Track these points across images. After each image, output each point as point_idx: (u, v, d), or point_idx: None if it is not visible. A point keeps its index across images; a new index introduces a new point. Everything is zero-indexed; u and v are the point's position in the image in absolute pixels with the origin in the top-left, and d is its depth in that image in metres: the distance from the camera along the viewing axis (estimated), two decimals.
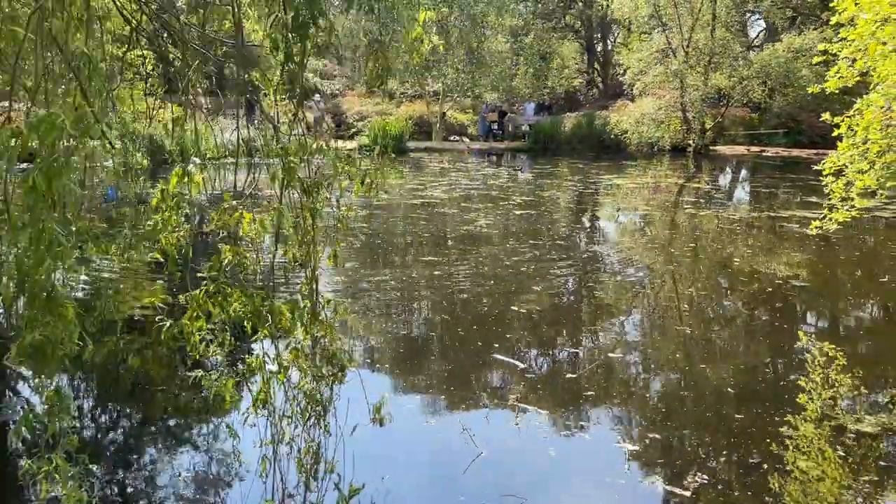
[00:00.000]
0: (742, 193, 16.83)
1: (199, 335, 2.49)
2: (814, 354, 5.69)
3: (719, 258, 9.29)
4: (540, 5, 31.67)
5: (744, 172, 21.88)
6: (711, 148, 25.45)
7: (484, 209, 12.79)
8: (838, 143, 7.25)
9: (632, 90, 25.16)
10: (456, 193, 14.84)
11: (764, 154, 24.34)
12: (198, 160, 2.56)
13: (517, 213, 12.46)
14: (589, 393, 4.98)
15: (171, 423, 4.46)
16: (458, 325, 6.46)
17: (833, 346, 5.85)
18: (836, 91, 7.26)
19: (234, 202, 2.72)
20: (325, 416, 2.85)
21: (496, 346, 5.82)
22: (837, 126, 7.02)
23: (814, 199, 12.63)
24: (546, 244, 9.83)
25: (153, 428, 4.34)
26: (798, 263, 8.83)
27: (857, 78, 6.41)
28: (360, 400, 3.61)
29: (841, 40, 6.88)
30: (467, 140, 30.06)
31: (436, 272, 8.24)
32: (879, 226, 11.44)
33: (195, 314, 2.48)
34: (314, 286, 2.76)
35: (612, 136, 24.67)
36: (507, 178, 18.29)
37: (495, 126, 31.03)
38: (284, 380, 2.75)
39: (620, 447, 4.19)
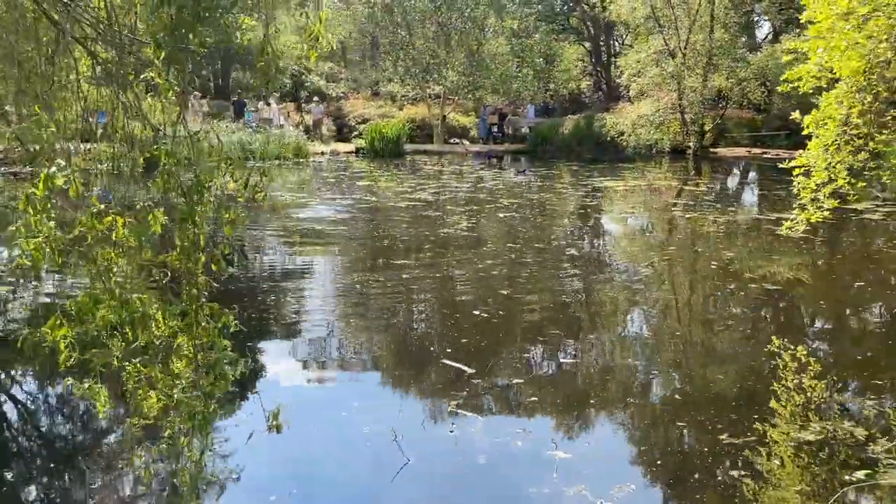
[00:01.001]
0: (734, 196, 16.64)
1: (64, 343, 2.43)
2: (772, 361, 5.56)
3: (695, 262, 9.16)
4: (540, 7, 31.49)
5: (741, 175, 21.68)
6: (711, 150, 25.23)
7: (468, 212, 12.71)
8: (807, 142, 7.13)
9: (628, 92, 25.01)
10: (444, 196, 14.77)
11: (764, 156, 24.10)
12: (62, 162, 2.49)
13: (500, 216, 12.37)
14: (532, 399, 4.89)
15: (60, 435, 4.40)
16: (414, 330, 6.39)
17: (797, 351, 5.72)
18: (810, 91, 7.13)
19: (104, 205, 2.66)
20: (208, 426, 2.76)
21: (449, 351, 5.74)
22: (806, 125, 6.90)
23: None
24: (523, 248, 9.73)
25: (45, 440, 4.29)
26: (774, 267, 8.68)
27: (815, 75, 6.26)
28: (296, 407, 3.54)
29: (808, 39, 6.76)
30: (467, 143, 30.00)
31: (404, 276, 8.16)
32: (867, 227, 11.23)
33: (58, 322, 2.42)
34: (195, 291, 2.68)
35: (609, 139, 24.51)
36: (499, 181, 18.19)
37: (495, 128, 30.95)
38: (165, 388, 2.67)
39: (552, 455, 4.09)
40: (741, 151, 25.49)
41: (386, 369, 5.50)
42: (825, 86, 6.83)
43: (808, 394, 4.90)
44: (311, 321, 6.54)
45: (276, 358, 5.65)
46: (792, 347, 5.78)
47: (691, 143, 24.11)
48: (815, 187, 7.06)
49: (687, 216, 12.60)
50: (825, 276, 8.57)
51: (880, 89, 5.70)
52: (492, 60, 30.07)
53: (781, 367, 5.39)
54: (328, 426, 4.47)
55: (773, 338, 6.00)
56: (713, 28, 22.43)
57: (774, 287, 7.70)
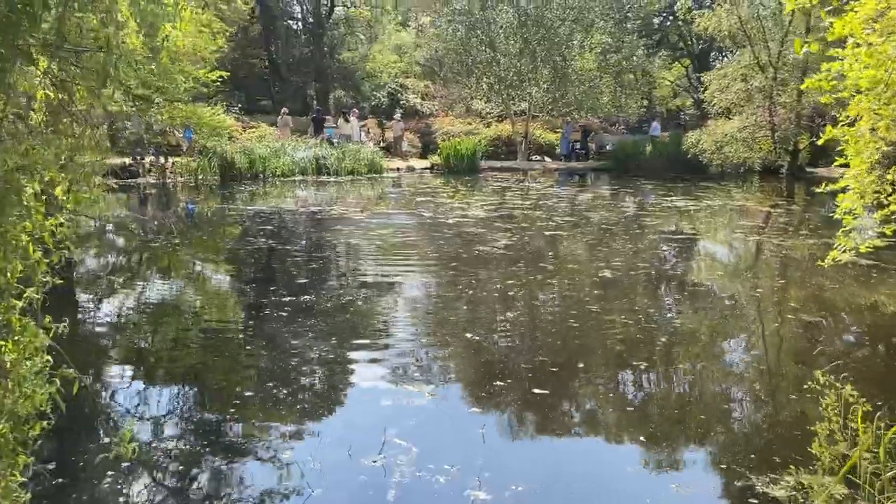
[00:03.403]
0: (819, 220, 15.31)
1: None
2: (792, 405, 4.93)
3: (724, 290, 8.40)
4: (629, 24, 30.58)
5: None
6: (809, 169, 23.58)
7: (515, 230, 12.31)
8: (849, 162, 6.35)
9: (712, 108, 23.76)
10: (497, 213, 14.42)
11: None
12: None
13: (547, 234, 11.90)
14: (480, 431, 4.51)
15: None
16: (390, 351, 6.07)
17: (839, 389, 5.05)
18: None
19: None
20: (18, 452, 2.61)
21: (417, 375, 5.45)
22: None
23: None
24: (554, 269, 9.28)
25: None
26: (815, 297, 7.83)
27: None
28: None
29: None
30: (548, 160, 29.51)
31: (415, 294, 7.93)
32: None
33: None
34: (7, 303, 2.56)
35: (689, 156, 23.37)
36: (562, 199, 17.63)
37: (578, 145, 30.27)
38: None
39: (470, 494, 3.73)
40: (844, 171, 23.65)
41: (332, 391, 5.25)
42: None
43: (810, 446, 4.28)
44: (270, 334, 6.38)
45: (223, 375, 5.51)
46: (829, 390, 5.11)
47: (784, 163, 22.60)
48: (860, 212, 6.29)
49: (750, 239, 11.70)
50: (871, 310, 7.64)
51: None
52: (577, 77, 29.44)
53: (796, 414, 4.76)
54: (242, 451, 4.27)
55: (819, 375, 5.33)
56: (808, 39, 20.92)
57: (813, 319, 6.91)
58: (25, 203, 2.64)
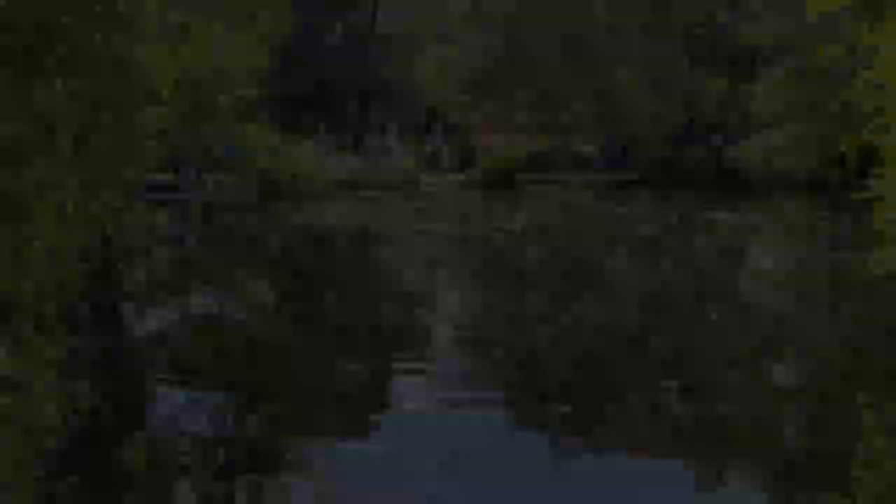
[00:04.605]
0: (864, 231, 14.78)
1: None
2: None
3: (765, 306, 8.14)
4: (671, 36, 30.20)
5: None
6: (858, 180, 22.82)
7: (549, 243, 12.19)
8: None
9: (757, 119, 23.19)
10: (532, 226, 14.30)
11: None
12: None
13: (582, 247, 11.76)
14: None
15: None
16: (413, 366, 5.98)
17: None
18: None
19: None
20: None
21: (425, 389, 5.39)
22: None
23: None
24: (589, 282, 9.14)
25: None
26: (863, 313, 7.55)
27: None
28: None
29: None
30: (588, 173, 29.24)
31: (445, 310, 7.91)
32: None
33: None
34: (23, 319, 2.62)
35: (734, 169, 22.87)
36: (600, 212, 17.42)
37: (619, 157, 29.98)
38: None
39: None
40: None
41: (350, 406, 5.20)
42: None
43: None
44: (293, 349, 6.35)
45: (243, 388, 5.52)
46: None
47: (832, 174, 21.89)
48: None
49: (800, 253, 11.37)
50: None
51: None
52: (618, 89, 29.21)
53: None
54: (254, 467, 4.24)
55: (864, 396, 5.12)
56: (857, 47, 20.32)
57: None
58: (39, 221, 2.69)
